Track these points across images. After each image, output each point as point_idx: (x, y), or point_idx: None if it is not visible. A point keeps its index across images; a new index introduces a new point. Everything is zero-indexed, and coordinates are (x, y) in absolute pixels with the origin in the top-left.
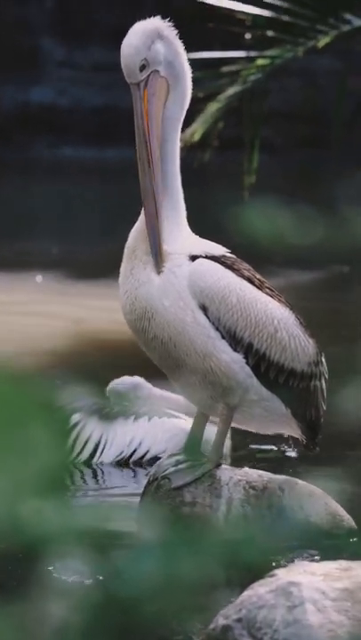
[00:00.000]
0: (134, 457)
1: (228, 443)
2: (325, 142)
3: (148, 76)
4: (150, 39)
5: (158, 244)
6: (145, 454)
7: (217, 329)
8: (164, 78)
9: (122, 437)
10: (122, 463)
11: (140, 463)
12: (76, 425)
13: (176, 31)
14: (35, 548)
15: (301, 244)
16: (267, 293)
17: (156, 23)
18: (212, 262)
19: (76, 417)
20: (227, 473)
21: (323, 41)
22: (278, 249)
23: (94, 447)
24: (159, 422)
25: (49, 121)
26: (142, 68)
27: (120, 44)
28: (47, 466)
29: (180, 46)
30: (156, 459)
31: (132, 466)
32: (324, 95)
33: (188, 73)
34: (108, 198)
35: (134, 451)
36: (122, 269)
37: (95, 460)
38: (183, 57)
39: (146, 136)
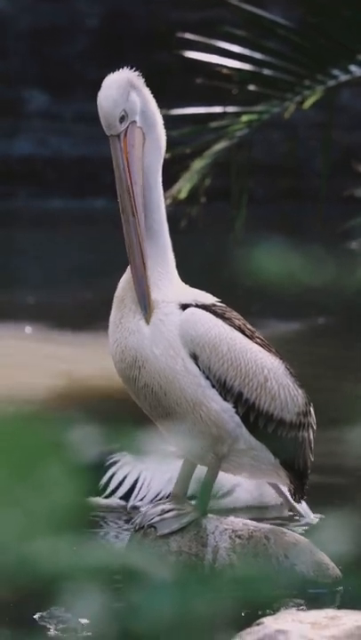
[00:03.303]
0: None
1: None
2: (307, 194)
3: (127, 126)
4: (126, 90)
5: (147, 297)
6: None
7: (207, 378)
8: (140, 128)
9: (161, 476)
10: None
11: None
12: (113, 464)
13: (143, 79)
14: (32, 590)
15: (312, 282)
16: (257, 343)
17: (126, 74)
18: (204, 311)
19: (113, 456)
20: (213, 522)
21: (309, 101)
22: (286, 289)
23: (132, 485)
24: None
25: (30, 172)
26: (122, 119)
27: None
28: (59, 504)
29: (149, 94)
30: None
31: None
32: (305, 147)
33: (159, 119)
34: (89, 248)
35: None
36: (111, 318)
37: (133, 499)
38: (154, 104)
39: (129, 187)
